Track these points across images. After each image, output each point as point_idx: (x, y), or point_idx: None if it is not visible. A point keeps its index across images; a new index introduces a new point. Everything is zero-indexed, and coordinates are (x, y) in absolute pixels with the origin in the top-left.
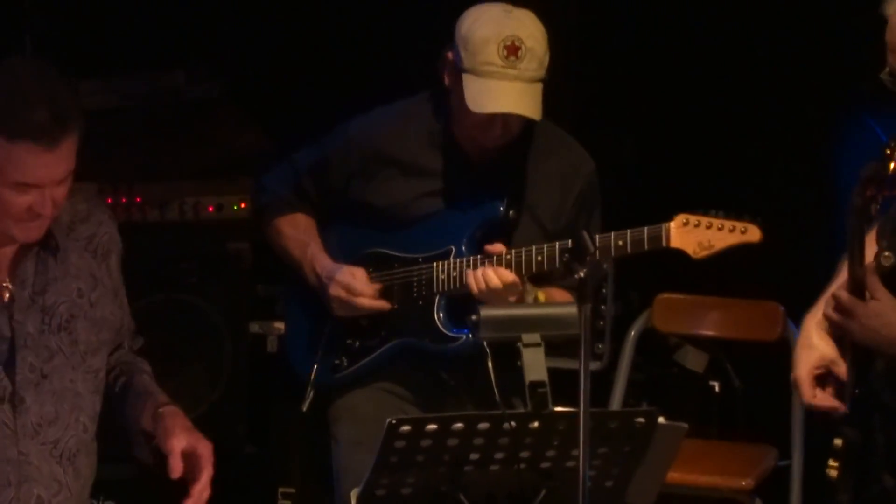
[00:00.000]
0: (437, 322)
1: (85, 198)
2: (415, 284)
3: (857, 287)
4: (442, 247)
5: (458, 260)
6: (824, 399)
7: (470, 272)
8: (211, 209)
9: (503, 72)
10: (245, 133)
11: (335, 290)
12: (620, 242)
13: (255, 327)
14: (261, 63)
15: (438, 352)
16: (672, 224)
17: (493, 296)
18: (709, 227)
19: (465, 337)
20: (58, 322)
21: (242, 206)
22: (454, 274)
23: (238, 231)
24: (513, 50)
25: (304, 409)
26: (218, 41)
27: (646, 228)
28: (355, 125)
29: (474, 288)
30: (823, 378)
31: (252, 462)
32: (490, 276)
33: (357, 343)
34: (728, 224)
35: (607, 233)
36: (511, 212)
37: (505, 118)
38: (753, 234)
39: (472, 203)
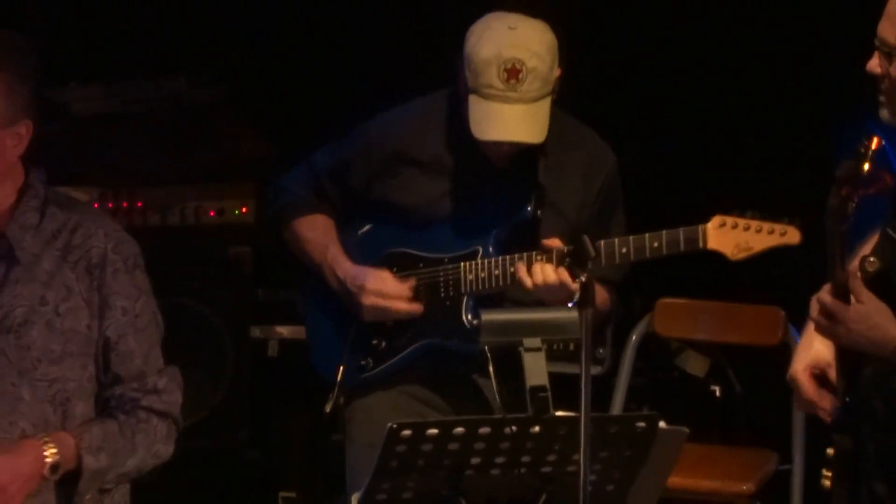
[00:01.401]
0: (465, 322)
1: (84, 210)
2: (441, 285)
3: (841, 290)
4: (468, 247)
5: (485, 260)
6: (824, 398)
7: (521, 266)
8: (212, 214)
9: (504, 95)
10: (246, 138)
11: (368, 300)
12: (656, 244)
13: (256, 332)
14: (262, 68)
15: (466, 352)
16: (709, 225)
17: (549, 292)
18: (746, 228)
19: None
20: (8, 324)
21: (244, 210)
22: (482, 275)
23: (239, 236)
24: (513, 73)
25: (328, 410)
26: (219, 46)
27: (681, 230)
28: (374, 125)
29: (529, 282)
30: (821, 381)
31: (253, 466)
32: (548, 271)
33: (383, 343)
34: (766, 226)
35: (641, 234)
36: (539, 212)
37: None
38: (793, 236)
39: (497, 202)
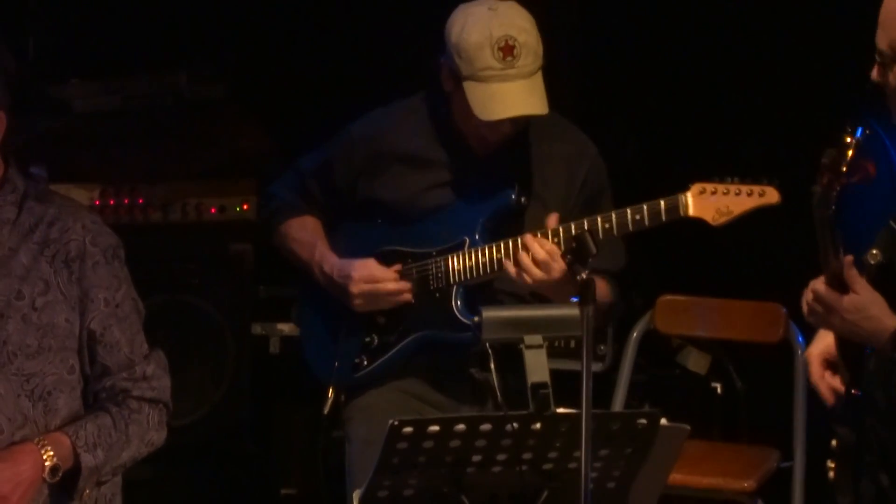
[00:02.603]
0: (456, 310)
1: (62, 204)
2: (431, 278)
3: (835, 279)
4: (455, 238)
5: (472, 249)
6: (832, 381)
7: (527, 247)
8: (213, 210)
9: (503, 73)
10: (248, 134)
11: (357, 287)
12: (637, 216)
13: (257, 328)
14: (263, 64)
15: (458, 341)
16: (689, 193)
17: (545, 271)
18: (726, 193)
19: None
20: None
21: (245, 207)
22: (470, 264)
23: (240, 232)
24: (508, 50)
25: (326, 412)
26: (220, 42)
27: (662, 200)
28: (357, 125)
29: (512, 271)
30: (834, 366)
31: (254, 463)
32: (537, 250)
33: (376, 340)
34: (745, 188)
35: (622, 208)
36: (522, 199)
37: (514, 117)
38: (771, 195)
39: (482, 193)
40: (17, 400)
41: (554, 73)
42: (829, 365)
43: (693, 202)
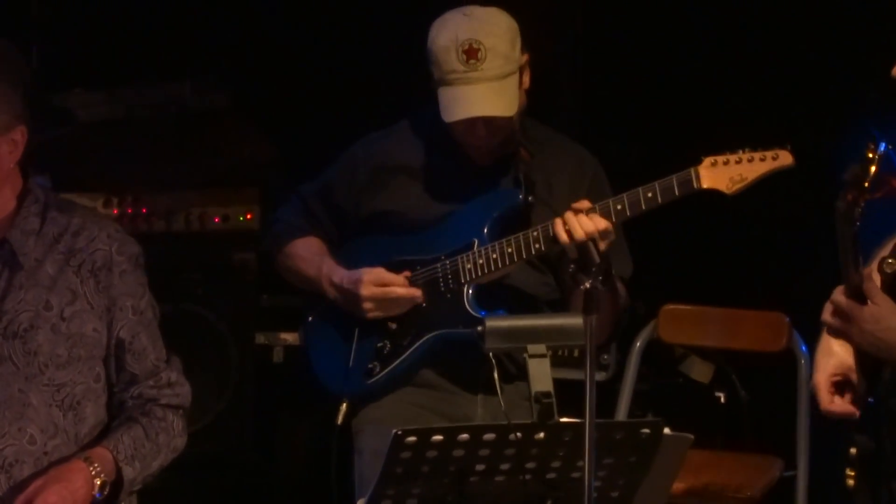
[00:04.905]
0: (467, 305)
1: (85, 213)
2: (440, 280)
3: (855, 292)
4: (464, 241)
5: (482, 248)
6: (841, 406)
7: (558, 221)
8: (217, 220)
9: (466, 76)
10: (251, 143)
11: (367, 290)
12: (650, 194)
13: (260, 338)
14: (267, 73)
15: (472, 337)
16: (700, 166)
17: (584, 246)
18: (738, 161)
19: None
20: (13, 330)
21: (248, 216)
22: (480, 262)
23: (244, 241)
24: (472, 53)
25: (340, 422)
26: (224, 52)
27: (674, 175)
28: (358, 145)
29: (563, 236)
30: (842, 385)
31: (257, 472)
32: (585, 221)
33: (388, 345)
34: (757, 155)
35: (634, 189)
36: (530, 197)
37: (484, 119)
38: (785, 158)
39: (487, 196)
40: (49, 410)
41: (557, 80)
42: (837, 386)
43: (705, 174)
